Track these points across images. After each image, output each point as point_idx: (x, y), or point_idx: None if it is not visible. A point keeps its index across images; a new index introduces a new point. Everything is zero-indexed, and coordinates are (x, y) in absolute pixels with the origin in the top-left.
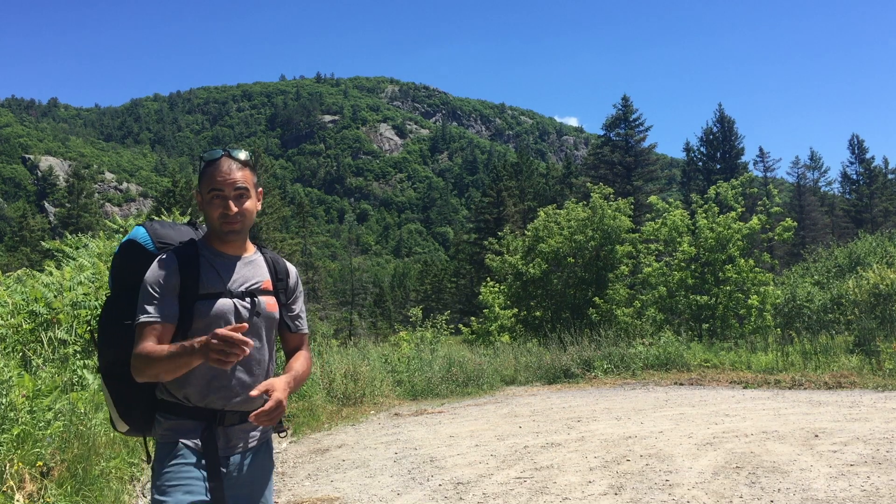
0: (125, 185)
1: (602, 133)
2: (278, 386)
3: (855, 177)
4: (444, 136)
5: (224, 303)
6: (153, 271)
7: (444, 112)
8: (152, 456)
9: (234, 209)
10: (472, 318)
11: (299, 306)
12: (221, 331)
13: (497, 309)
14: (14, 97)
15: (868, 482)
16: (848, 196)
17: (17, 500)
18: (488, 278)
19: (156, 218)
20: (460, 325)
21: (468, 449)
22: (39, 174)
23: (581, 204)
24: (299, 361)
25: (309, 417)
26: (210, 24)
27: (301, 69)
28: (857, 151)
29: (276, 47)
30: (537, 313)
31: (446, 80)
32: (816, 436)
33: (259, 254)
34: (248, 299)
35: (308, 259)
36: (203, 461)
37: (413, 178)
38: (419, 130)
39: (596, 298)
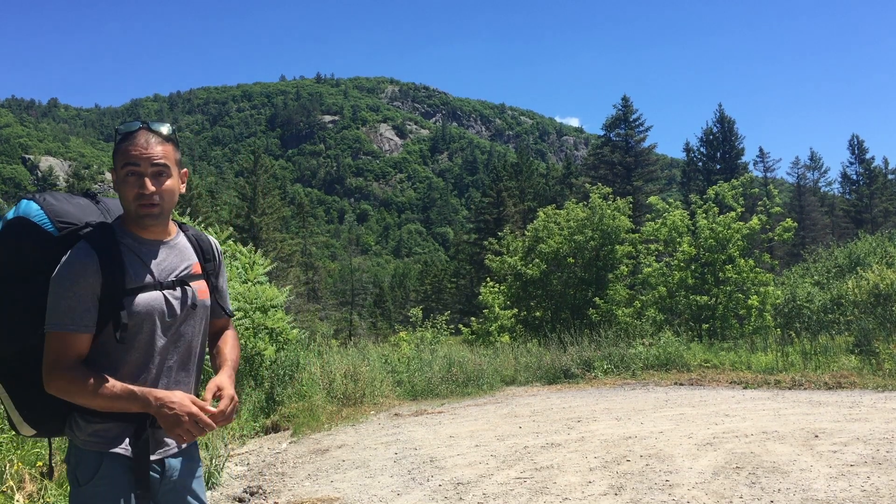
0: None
1: (602, 133)
2: (225, 383)
3: (855, 177)
4: (444, 137)
5: (153, 297)
6: (69, 269)
7: (444, 112)
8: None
9: (151, 188)
10: (472, 319)
11: (223, 283)
12: (195, 410)
13: (497, 309)
14: (14, 97)
15: (868, 482)
16: (848, 196)
17: (17, 501)
18: (488, 278)
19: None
20: (460, 326)
21: (468, 449)
22: (39, 174)
23: (581, 204)
24: (229, 345)
25: (309, 418)
26: (210, 24)
27: (301, 69)
28: (857, 152)
29: (276, 47)
30: (537, 313)
31: (446, 81)
32: (816, 436)
33: (181, 234)
34: (178, 289)
35: (308, 259)
36: (129, 469)
37: (413, 179)
38: (419, 131)
39: (596, 299)
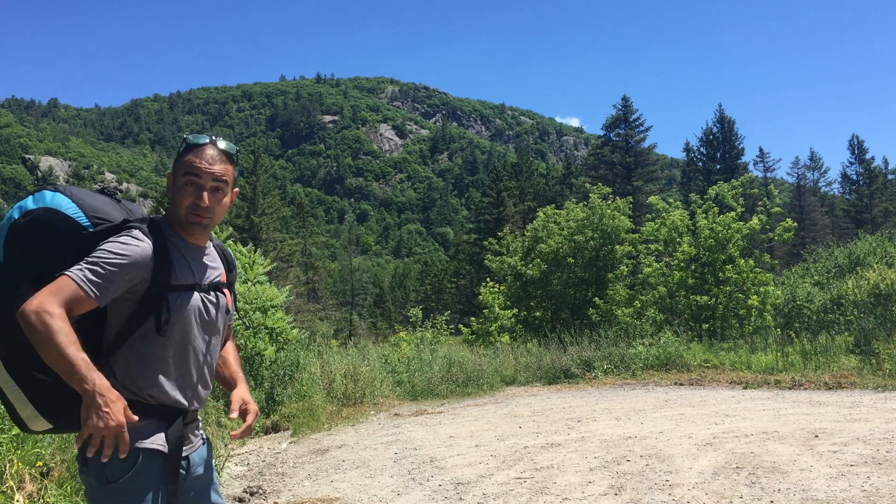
0: (125, 185)
1: (602, 133)
2: (249, 397)
3: (855, 177)
4: (444, 137)
5: (194, 297)
6: (125, 247)
7: (444, 112)
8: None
9: (207, 202)
10: (472, 319)
11: (234, 291)
12: (123, 423)
13: (497, 309)
14: (14, 97)
15: (868, 482)
16: (848, 196)
17: (17, 501)
18: (488, 279)
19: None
20: (460, 326)
21: (468, 449)
22: (39, 174)
23: (581, 204)
24: (233, 356)
25: (309, 418)
26: (210, 24)
27: (301, 69)
28: (857, 152)
29: (276, 47)
30: (537, 314)
31: (446, 81)
32: (816, 436)
33: (211, 244)
34: (213, 294)
35: (308, 259)
36: (163, 465)
37: (413, 179)
38: (419, 131)
39: (596, 299)
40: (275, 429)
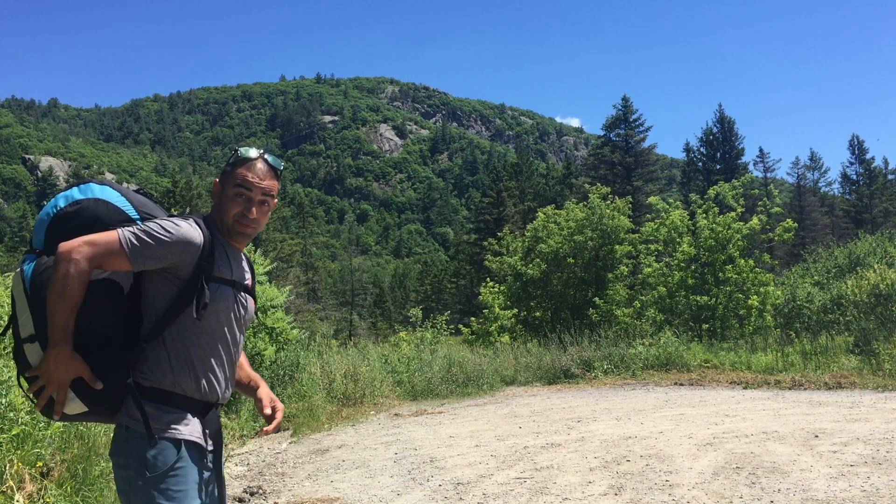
0: (125, 185)
1: (602, 133)
2: (273, 395)
3: (855, 177)
4: (444, 137)
5: (230, 291)
6: (175, 228)
7: (444, 112)
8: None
9: (255, 215)
10: (472, 319)
11: None
12: (66, 383)
13: (497, 309)
14: (14, 98)
15: (868, 483)
16: (848, 196)
17: (17, 501)
18: (488, 279)
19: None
20: (460, 326)
21: (468, 449)
22: (39, 175)
23: (581, 204)
24: (245, 359)
25: (309, 418)
26: (210, 24)
27: (301, 69)
28: (857, 152)
29: (276, 47)
30: (537, 314)
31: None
32: (816, 436)
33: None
34: (243, 294)
35: (308, 259)
36: (202, 459)
37: (413, 179)
38: (419, 131)
39: (596, 299)
40: (274, 429)
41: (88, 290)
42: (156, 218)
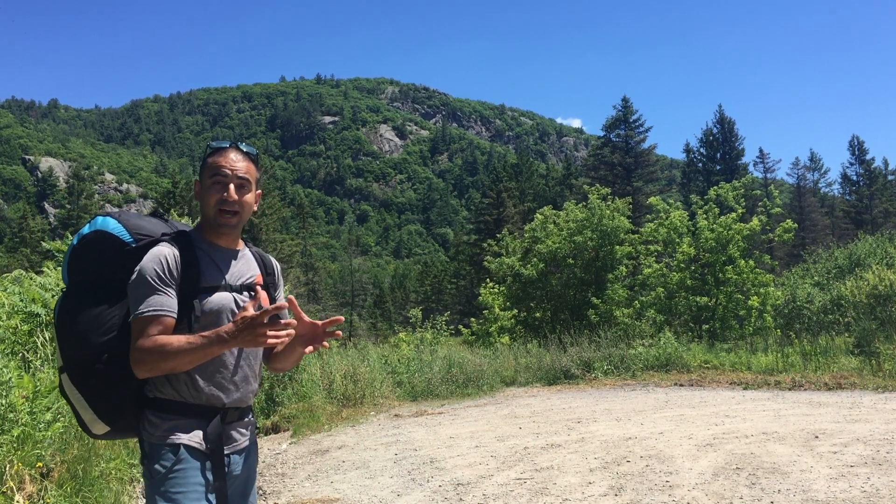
0: (125, 186)
1: (602, 134)
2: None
3: (855, 178)
4: (444, 138)
5: (224, 297)
6: (154, 262)
7: (443, 113)
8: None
9: (234, 196)
10: (472, 320)
11: (280, 296)
12: (253, 313)
13: (497, 310)
14: (14, 98)
15: (868, 483)
16: (848, 197)
17: (17, 501)
18: (488, 279)
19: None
20: (460, 327)
21: (468, 450)
22: (39, 175)
23: (580, 205)
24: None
25: (309, 418)
26: (210, 25)
27: (301, 70)
28: (857, 152)
29: (276, 48)
30: (537, 314)
31: (446, 81)
32: (816, 437)
33: (247, 248)
34: (245, 293)
35: (308, 260)
36: (206, 463)
37: (413, 180)
38: (419, 131)
39: (595, 299)
40: (275, 430)
41: (89, 320)
42: (149, 240)
